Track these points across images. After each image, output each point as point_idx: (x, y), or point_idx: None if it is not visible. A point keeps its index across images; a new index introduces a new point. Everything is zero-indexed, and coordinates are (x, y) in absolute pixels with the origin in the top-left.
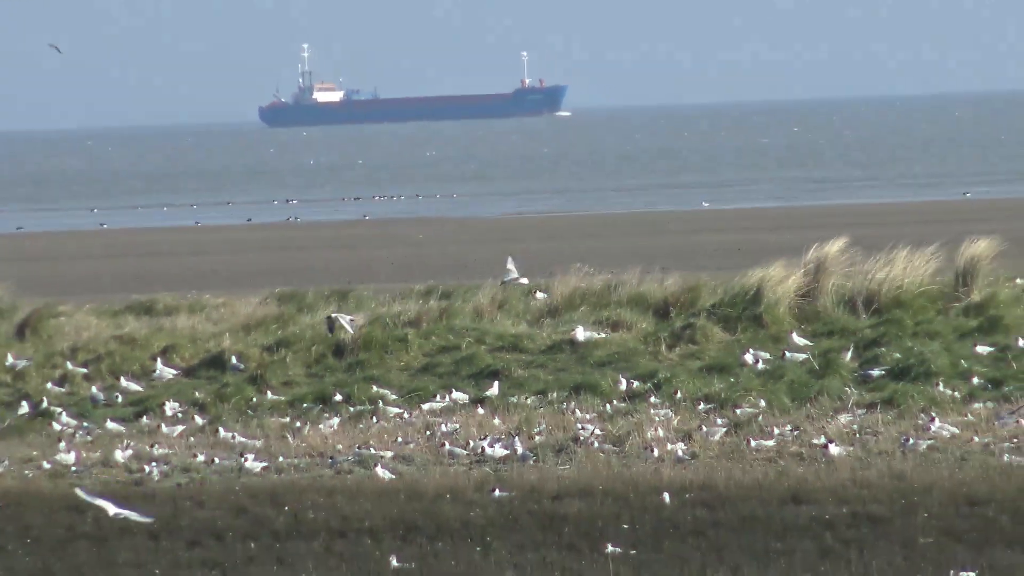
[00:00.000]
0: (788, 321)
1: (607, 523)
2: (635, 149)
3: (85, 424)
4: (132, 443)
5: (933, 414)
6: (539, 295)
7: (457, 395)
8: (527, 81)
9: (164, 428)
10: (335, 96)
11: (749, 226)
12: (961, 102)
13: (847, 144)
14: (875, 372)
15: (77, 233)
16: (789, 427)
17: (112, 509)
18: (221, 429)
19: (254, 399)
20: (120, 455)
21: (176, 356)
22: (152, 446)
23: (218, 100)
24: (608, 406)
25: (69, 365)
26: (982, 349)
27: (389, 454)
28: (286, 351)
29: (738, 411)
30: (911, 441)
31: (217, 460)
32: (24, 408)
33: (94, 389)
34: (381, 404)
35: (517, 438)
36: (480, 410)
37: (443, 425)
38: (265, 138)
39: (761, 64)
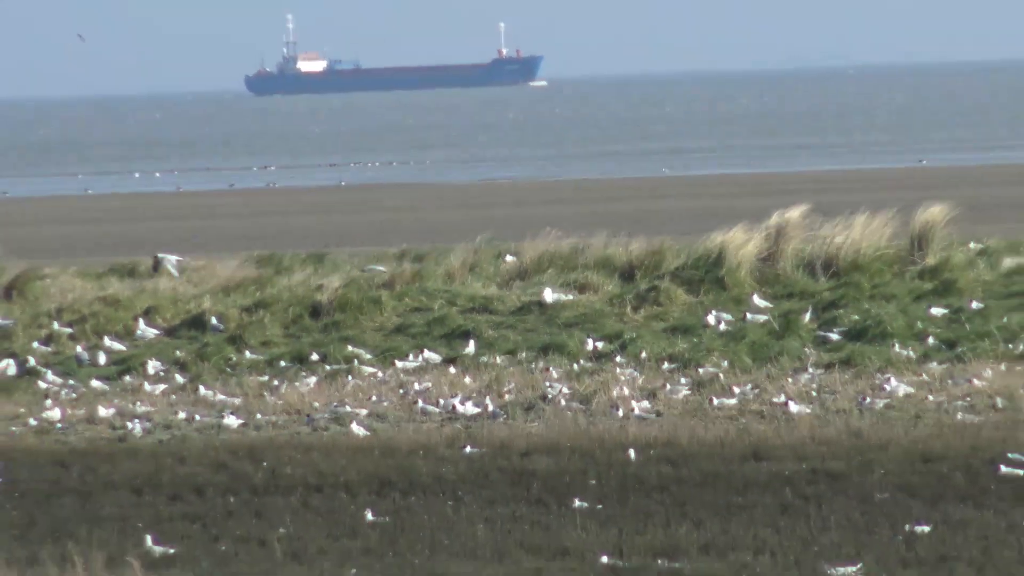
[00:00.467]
0: (749, 284)
1: (574, 479)
2: (605, 117)
3: (70, 382)
4: (116, 401)
5: (889, 374)
6: (508, 258)
7: (429, 355)
8: (504, 51)
9: (147, 386)
10: (318, 66)
11: (712, 192)
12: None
13: (813, 113)
14: (833, 333)
15: (62, 198)
16: (750, 386)
17: None
18: (201, 387)
19: (233, 358)
20: (104, 412)
21: (158, 317)
22: (135, 404)
23: (205, 69)
24: (575, 365)
25: (55, 325)
26: (936, 311)
27: (364, 412)
28: (264, 312)
29: (701, 370)
30: (868, 400)
31: (198, 417)
32: (11, 367)
33: (79, 349)
34: (356, 363)
35: (487, 396)
36: (452, 369)
37: (416, 383)
38: (250, 105)
39: (738, 33)
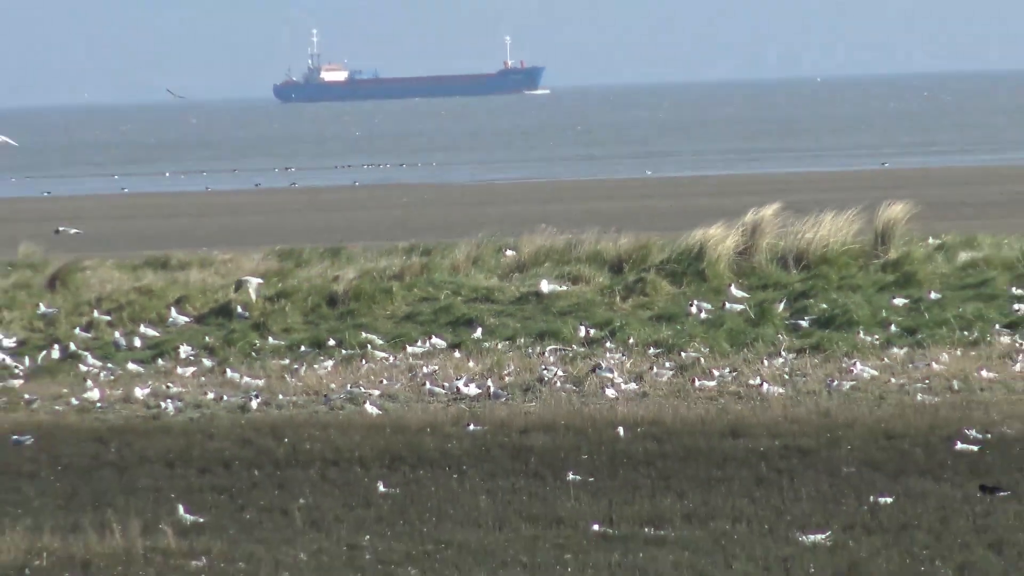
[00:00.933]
0: (727, 276)
1: (568, 454)
2: (597, 123)
3: (108, 365)
4: (150, 382)
5: (855, 358)
6: (508, 252)
7: (436, 340)
8: (509, 63)
9: (178, 369)
10: (340, 76)
11: (693, 192)
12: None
13: (787, 119)
14: (804, 321)
15: (100, 196)
16: (728, 369)
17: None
18: (228, 370)
19: (257, 343)
20: (139, 393)
21: (188, 305)
22: (167, 385)
23: (237, 78)
24: (569, 349)
25: (95, 313)
26: (898, 301)
27: (376, 392)
28: (285, 301)
29: (683, 355)
30: (835, 382)
31: (225, 397)
32: (56, 351)
33: (116, 334)
34: (369, 348)
35: (489, 378)
36: (457, 354)
37: (424, 367)
38: (277, 112)
39: (719, 44)
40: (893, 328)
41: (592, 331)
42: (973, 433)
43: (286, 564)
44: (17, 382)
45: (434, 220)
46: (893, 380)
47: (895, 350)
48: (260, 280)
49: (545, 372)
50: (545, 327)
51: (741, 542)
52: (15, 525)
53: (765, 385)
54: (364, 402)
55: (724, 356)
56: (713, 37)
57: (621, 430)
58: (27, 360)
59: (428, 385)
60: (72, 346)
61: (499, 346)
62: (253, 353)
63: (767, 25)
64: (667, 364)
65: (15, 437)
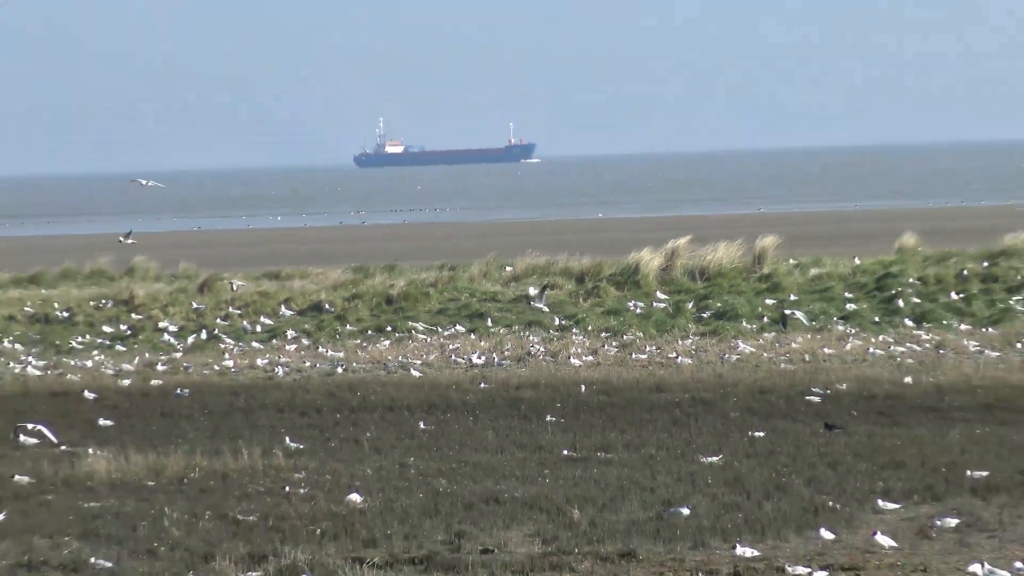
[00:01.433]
0: (654, 284)
1: (546, 403)
2: (569, 183)
3: (239, 344)
4: (267, 355)
5: (739, 340)
6: (507, 268)
7: (458, 327)
8: (512, 140)
9: (286, 346)
10: (399, 148)
11: (632, 228)
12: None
13: (702, 180)
14: (705, 314)
15: (234, 231)
16: (655, 347)
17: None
18: (319, 347)
19: (339, 329)
20: (260, 362)
21: (293, 303)
22: (279, 357)
23: (328, 150)
24: (548, 334)
25: (230, 308)
26: (768, 301)
27: (418, 362)
28: (357, 300)
29: (624, 337)
30: (726, 355)
31: (317, 365)
32: (203, 334)
33: (244, 323)
34: (414, 332)
35: (494, 353)
36: (472, 336)
37: (450, 345)
38: (357, 175)
39: (682, 118)
40: (765, 319)
41: (563, 321)
42: (818, 390)
43: (358, 476)
44: (178, 354)
45: (457, 247)
46: (765, 355)
47: (767, 334)
48: (242, 283)
49: (531, 348)
50: (531, 318)
51: (662, 462)
52: (177, 450)
53: (679, 357)
54: (410, 369)
55: (652, 338)
56: (682, 117)
57: (583, 387)
58: (185, 340)
59: (453, 357)
60: (215, 330)
61: (501, 331)
62: (336, 335)
63: (705, 107)
64: (613, 343)
65: (177, 391)
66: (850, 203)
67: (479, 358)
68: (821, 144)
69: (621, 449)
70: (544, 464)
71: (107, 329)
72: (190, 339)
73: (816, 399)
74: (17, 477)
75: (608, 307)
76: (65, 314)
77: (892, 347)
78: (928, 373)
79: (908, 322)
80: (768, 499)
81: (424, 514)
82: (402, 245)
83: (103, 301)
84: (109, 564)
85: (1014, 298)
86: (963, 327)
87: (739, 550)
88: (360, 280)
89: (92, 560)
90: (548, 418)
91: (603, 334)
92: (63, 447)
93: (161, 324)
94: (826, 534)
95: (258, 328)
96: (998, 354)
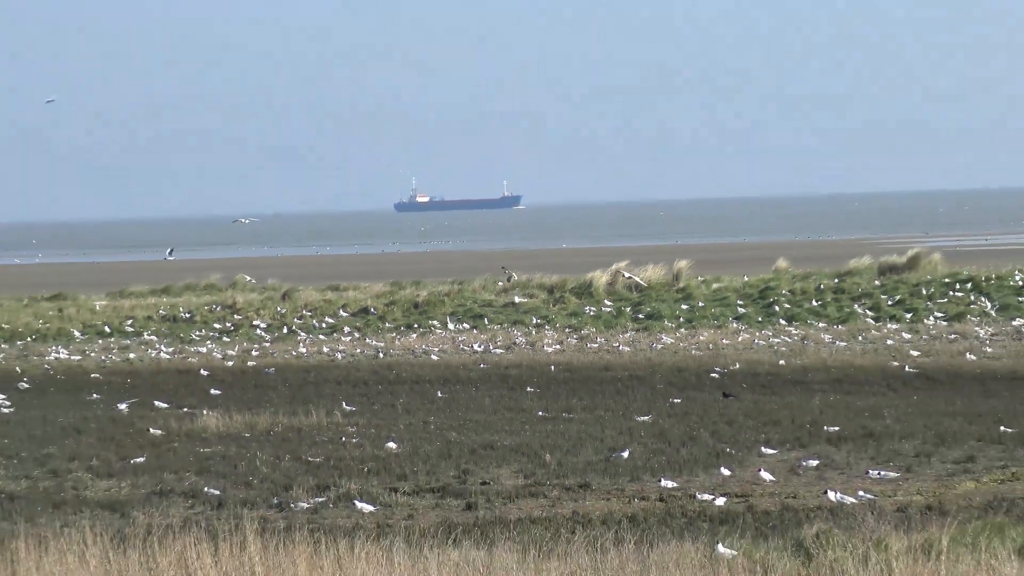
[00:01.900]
0: (603, 294)
1: (527, 378)
2: (544, 223)
3: (309, 336)
4: (329, 345)
5: (662, 334)
6: (499, 283)
7: (465, 325)
8: (505, 192)
9: (343, 338)
10: (426, 198)
11: (587, 254)
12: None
13: (639, 218)
14: (640, 316)
15: (306, 256)
16: (603, 339)
17: None
18: (367, 339)
19: (380, 326)
20: (325, 349)
21: (348, 308)
22: (338, 345)
23: (371, 197)
24: (528, 329)
25: (303, 311)
26: (684, 306)
27: (437, 349)
28: (394, 305)
29: (582, 332)
30: (654, 345)
31: (365, 352)
32: (284, 330)
33: (314, 322)
34: (434, 329)
35: (490, 343)
36: (474, 331)
37: (460, 337)
38: (397, 217)
39: (650, 170)
40: (681, 320)
41: (538, 321)
42: (718, 369)
43: (394, 430)
44: (267, 344)
45: (464, 267)
46: (681, 344)
47: (682, 330)
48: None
49: (516, 340)
50: (517, 319)
51: (609, 420)
52: (265, 411)
53: (621, 346)
54: (431, 354)
55: (601, 332)
56: (657, 163)
57: (552, 367)
58: (272, 334)
59: (461, 346)
60: (293, 327)
61: (495, 328)
62: (378, 330)
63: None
64: (574, 336)
65: (266, 370)
66: (740, 237)
67: (479, 347)
68: (747, 194)
69: (580, 411)
70: (525, 422)
71: (217, 326)
72: (275, 333)
73: (717, 376)
74: (152, 430)
75: (570, 310)
76: (187, 315)
77: (771, 339)
78: (796, 357)
79: (782, 321)
80: (684, 446)
81: (440, 457)
82: (425, 266)
83: (214, 306)
84: (218, 492)
85: (857, 304)
86: (821, 325)
87: (663, 482)
88: (395, 291)
89: (205, 489)
90: (528, 389)
91: (567, 330)
92: (185, 409)
93: (255, 323)
94: (725, 471)
95: (323, 325)
96: (845, 344)
